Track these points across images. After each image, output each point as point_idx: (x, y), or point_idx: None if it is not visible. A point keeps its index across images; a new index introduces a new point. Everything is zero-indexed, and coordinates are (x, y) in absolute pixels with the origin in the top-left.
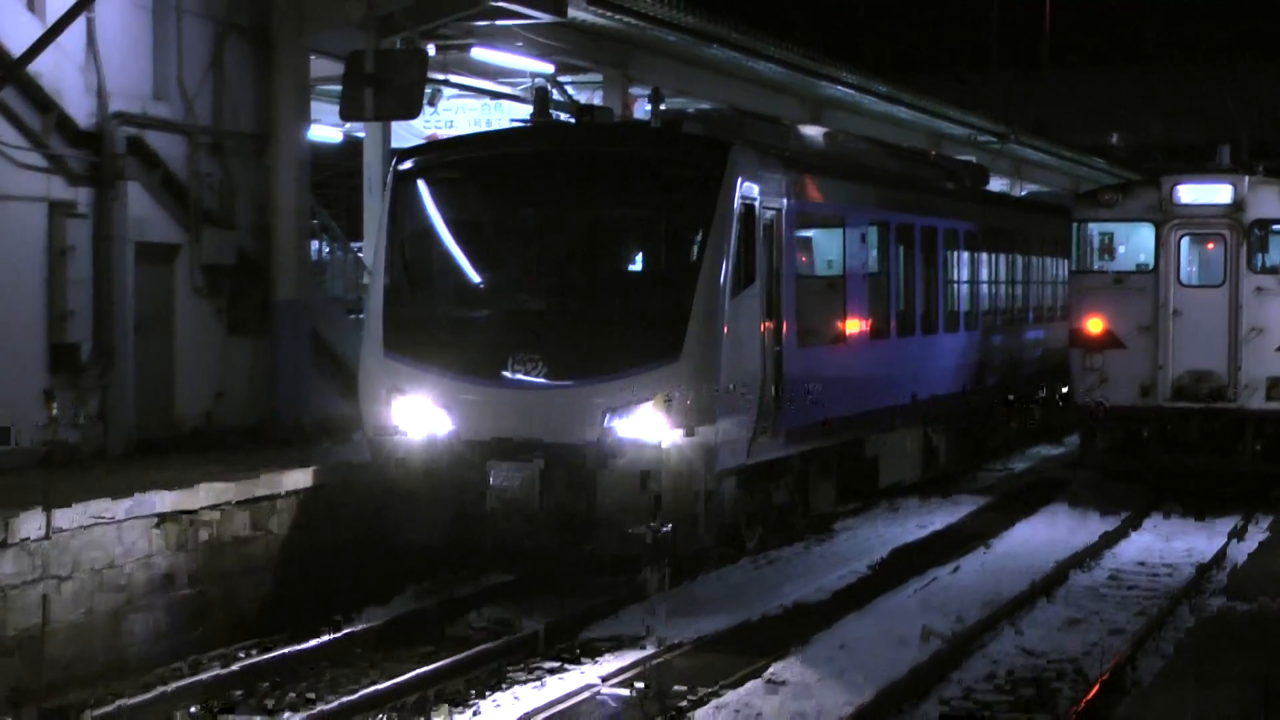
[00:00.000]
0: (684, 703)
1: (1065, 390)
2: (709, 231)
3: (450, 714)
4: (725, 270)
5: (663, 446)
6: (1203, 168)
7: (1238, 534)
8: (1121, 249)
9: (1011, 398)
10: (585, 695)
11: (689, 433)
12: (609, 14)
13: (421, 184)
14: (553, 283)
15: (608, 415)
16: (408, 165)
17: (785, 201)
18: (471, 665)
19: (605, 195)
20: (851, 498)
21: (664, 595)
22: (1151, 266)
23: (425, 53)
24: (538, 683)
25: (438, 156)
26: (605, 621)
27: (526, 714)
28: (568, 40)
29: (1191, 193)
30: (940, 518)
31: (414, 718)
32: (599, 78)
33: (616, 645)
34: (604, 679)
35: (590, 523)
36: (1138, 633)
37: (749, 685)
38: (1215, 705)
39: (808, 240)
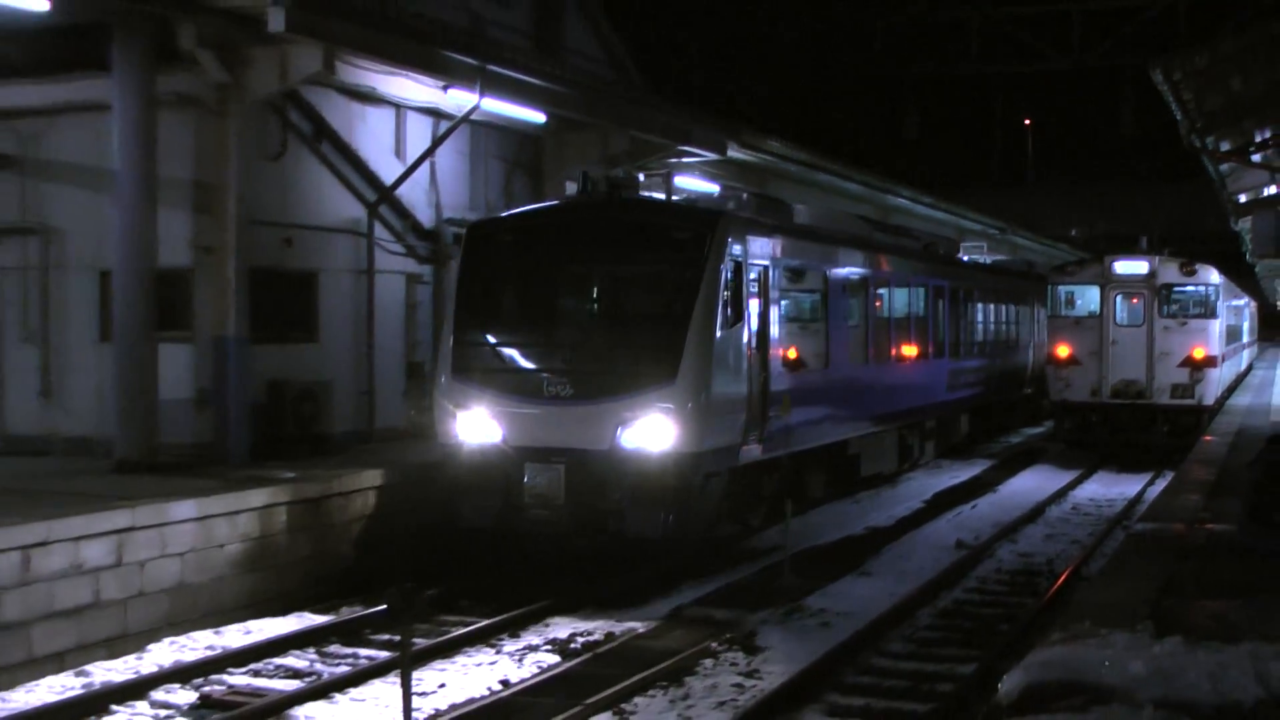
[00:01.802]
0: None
1: (1028, 394)
2: (700, 281)
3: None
4: (714, 312)
5: (660, 452)
6: (1130, 250)
7: (1151, 483)
8: (1079, 302)
9: (972, 406)
10: (745, 577)
11: (682, 441)
12: (752, 153)
13: (485, 244)
14: (580, 322)
15: (618, 428)
16: (476, 230)
17: (771, 259)
18: (681, 567)
19: (622, 254)
20: (840, 486)
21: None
22: (1098, 313)
23: (637, 179)
24: (722, 572)
25: (499, 224)
26: (749, 540)
27: (722, 585)
28: (727, 169)
29: (1123, 266)
30: (965, 473)
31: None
32: (745, 194)
33: (759, 554)
34: (753, 572)
35: (602, 513)
36: (1089, 544)
37: (845, 578)
38: (1136, 590)
39: (793, 289)
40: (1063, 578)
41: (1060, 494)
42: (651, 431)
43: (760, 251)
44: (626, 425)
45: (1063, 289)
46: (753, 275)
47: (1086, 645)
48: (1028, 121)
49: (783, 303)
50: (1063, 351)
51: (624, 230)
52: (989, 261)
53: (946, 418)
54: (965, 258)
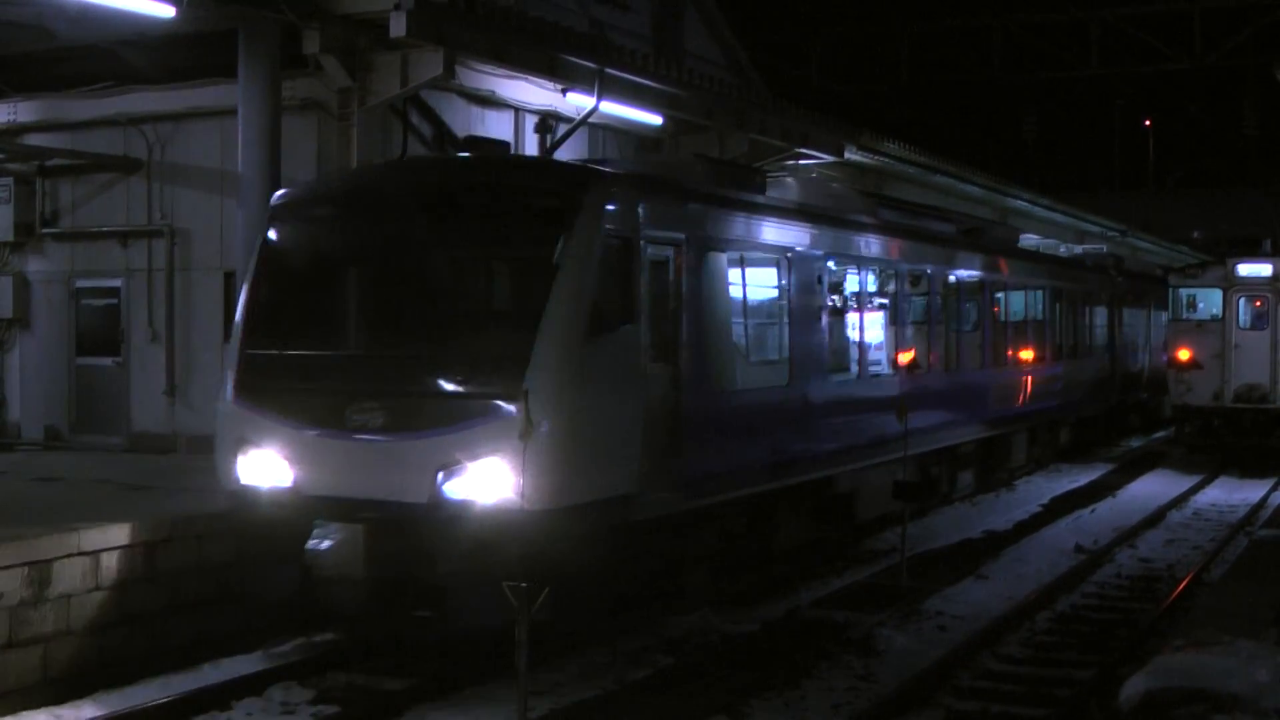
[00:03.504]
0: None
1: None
2: (559, 268)
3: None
4: (581, 308)
5: (497, 506)
6: (1253, 253)
7: (1275, 488)
8: (1201, 305)
9: (1031, 425)
10: (862, 579)
11: (529, 492)
12: (869, 155)
13: (289, 222)
14: (398, 326)
15: (439, 473)
16: (280, 201)
17: (689, 236)
18: (806, 567)
19: (454, 230)
20: (828, 530)
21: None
22: (1220, 316)
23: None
24: (839, 574)
25: (308, 192)
26: (867, 540)
27: (838, 588)
28: (844, 171)
29: (1246, 269)
30: (1084, 477)
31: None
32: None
33: (877, 556)
34: (871, 574)
35: (422, 591)
36: (1211, 549)
37: (963, 581)
38: (1257, 595)
39: (736, 277)
40: (1184, 583)
41: (1181, 499)
42: (485, 478)
43: (670, 226)
44: (452, 469)
45: (1184, 291)
46: (657, 258)
47: (1210, 652)
48: (1147, 123)
49: (713, 296)
50: (1184, 355)
51: (461, 197)
52: (1063, 253)
53: (991, 441)
54: (1070, 250)
